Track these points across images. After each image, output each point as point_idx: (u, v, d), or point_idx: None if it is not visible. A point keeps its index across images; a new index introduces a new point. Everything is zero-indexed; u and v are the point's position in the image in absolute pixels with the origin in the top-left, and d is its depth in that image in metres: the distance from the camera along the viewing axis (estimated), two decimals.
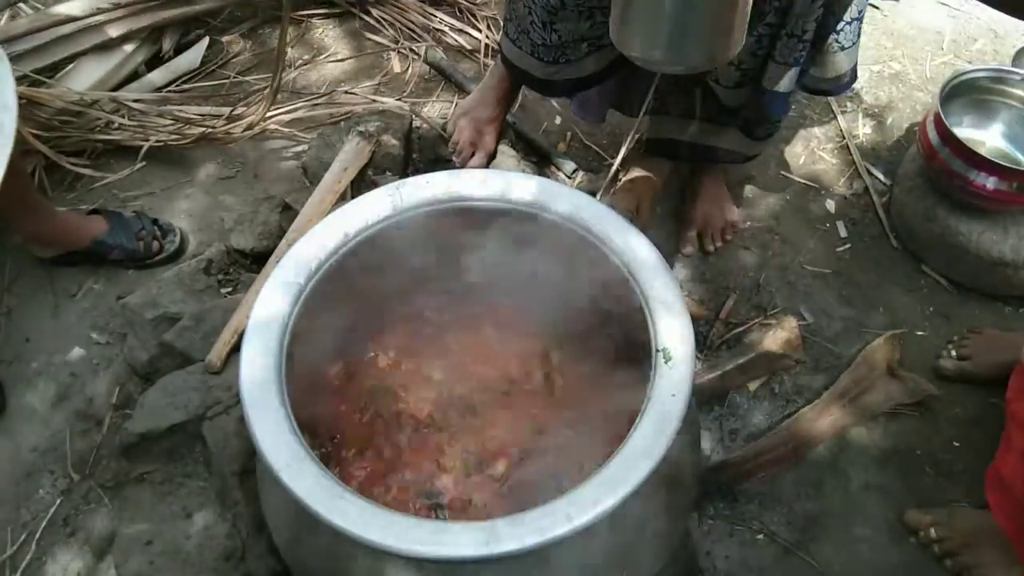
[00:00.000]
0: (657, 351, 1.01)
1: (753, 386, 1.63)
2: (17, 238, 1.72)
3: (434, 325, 1.31)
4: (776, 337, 1.62)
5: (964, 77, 1.76)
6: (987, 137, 1.81)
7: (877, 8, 2.37)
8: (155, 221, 1.76)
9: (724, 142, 1.67)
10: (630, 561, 1.06)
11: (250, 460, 1.29)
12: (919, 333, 1.71)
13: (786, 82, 1.44)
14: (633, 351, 1.10)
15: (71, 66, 1.97)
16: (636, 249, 1.11)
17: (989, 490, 1.32)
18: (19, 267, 1.73)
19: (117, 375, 1.58)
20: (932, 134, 1.70)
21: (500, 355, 1.29)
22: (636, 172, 1.78)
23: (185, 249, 1.78)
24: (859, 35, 1.46)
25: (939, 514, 1.43)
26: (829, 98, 2.10)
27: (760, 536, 1.46)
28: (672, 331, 1.02)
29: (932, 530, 1.41)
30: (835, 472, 1.53)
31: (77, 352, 1.63)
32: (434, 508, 1.14)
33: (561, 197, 1.17)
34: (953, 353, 1.65)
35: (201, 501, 1.34)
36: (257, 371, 0.98)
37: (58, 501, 1.45)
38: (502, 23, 1.81)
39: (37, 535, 1.42)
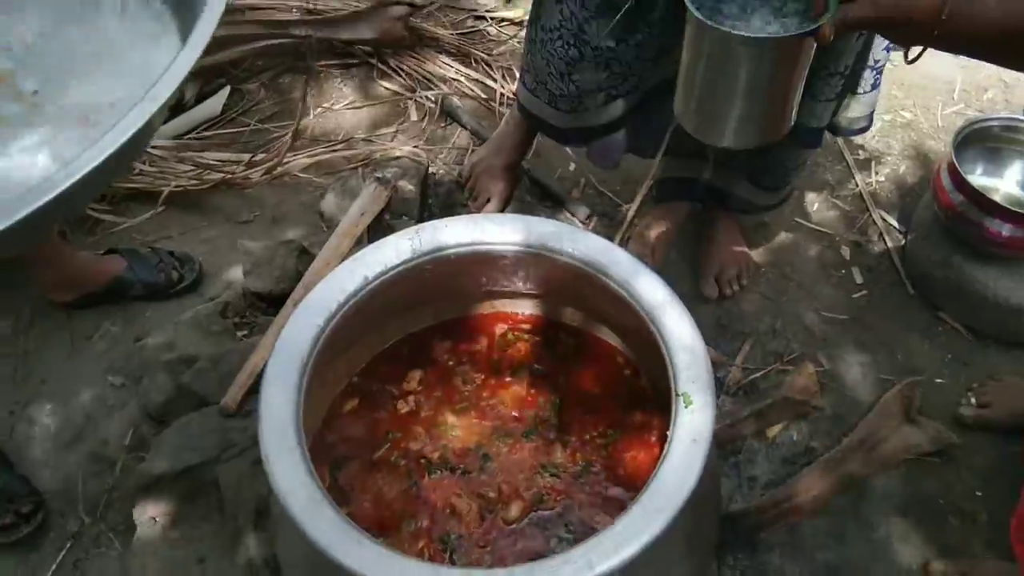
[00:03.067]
0: (677, 395, 1.00)
1: (771, 432, 1.61)
2: (36, 282, 1.73)
3: (450, 369, 1.31)
4: (794, 383, 1.60)
5: (977, 126, 1.77)
6: (1001, 184, 1.82)
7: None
8: (171, 253, 1.77)
9: (734, 188, 1.68)
10: None
11: (264, 503, 1.28)
12: (938, 380, 1.70)
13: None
14: (654, 396, 1.10)
15: None
16: (655, 293, 1.11)
17: (1016, 541, 1.29)
18: (37, 309, 1.74)
19: (131, 417, 1.58)
20: (946, 182, 1.70)
21: (516, 399, 1.28)
22: (651, 217, 1.79)
23: (203, 279, 1.79)
24: (878, 84, 1.48)
25: (963, 564, 1.40)
26: (842, 147, 2.12)
27: None
28: (692, 375, 1.02)
29: None
30: (856, 521, 1.50)
31: (92, 394, 1.63)
32: (448, 552, 1.13)
33: (579, 240, 1.18)
34: (973, 401, 1.63)
35: (214, 545, 1.32)
36: (276, 412, 0.98)
37: (68, 544, 1.44)
38: (518, 73, 1.84)
39: None
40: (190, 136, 2.07)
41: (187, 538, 1.35)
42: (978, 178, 1.76)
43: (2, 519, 1.42)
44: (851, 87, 1.48)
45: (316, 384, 1.06)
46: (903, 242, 1.93)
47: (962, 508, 1.51)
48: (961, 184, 1.66)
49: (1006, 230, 1.62)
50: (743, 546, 1.46)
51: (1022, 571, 1.29)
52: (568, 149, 2.09)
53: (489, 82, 2.23)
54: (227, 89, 2.17)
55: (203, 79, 2.17)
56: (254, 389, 1.41)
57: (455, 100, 2.19)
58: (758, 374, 1.69)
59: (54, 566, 1.42)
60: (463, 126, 2.14)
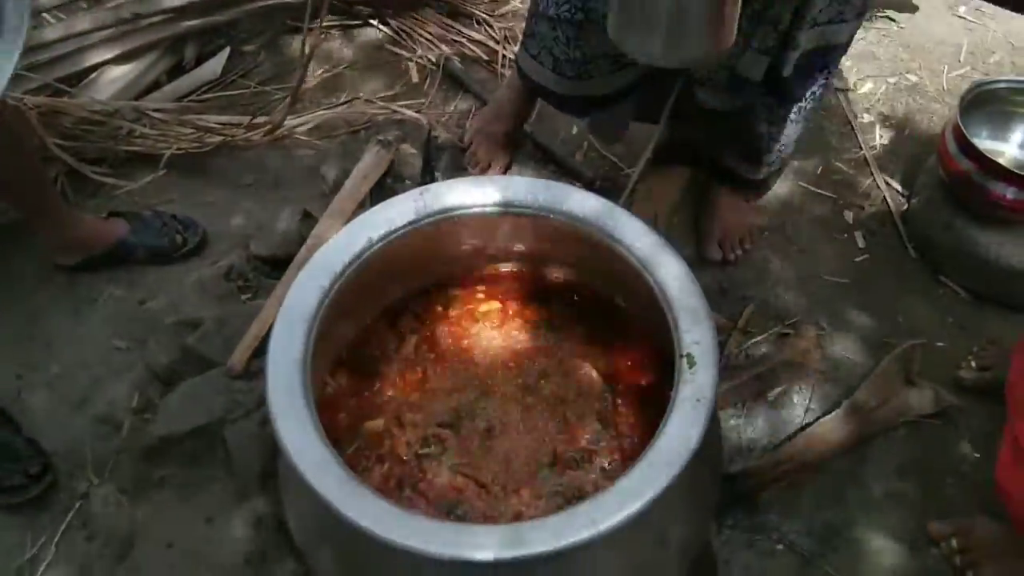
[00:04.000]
0: (681, 356, 1.01)
1: (772, 395, 1.62)
2: (40, 245, 1.74)
3: (457, 331, 1.31)
4: (794, 346, 1.61)
5: (984, 88, 1.76)
6: (1007, 148, 1.81)
7: (894, 20, 2.38)
8: (174, 217, 1.77)
9: (723, 158, 1.67)
10: (652, 569, 1.05)
11: (271, 463, 1.29)
12: (938, 343, 1.71)
13: (757, 70, 1.40)
14: (658, 358, 1.10)
15: (94, 75, 1.99)
16: (659, 256, 1.11)
17: (1001, 481, 1.31)
18: (41, 273, 1.75)
19: (137, 380, 1.59)
20: (951, 145, 1.69)
21: (520, 362, 1.28)
22: (654, 181, 1.79)
23: (207, 243, 1.79)
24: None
25: (961, 525, 1.42)
26: (846, 110, 2.11)
27: (779, 546, 1.45)
28: (696, 337, 1.02)
29: (954, 541, 1.40)
30: (855, 482, 1.52)
31: (97, 357, 1.63)
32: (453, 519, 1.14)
33: (583, 203, 1.18)
34: (973, 364, 1.64)
35: (222, 505, 1.34)
36: (283, 372, 0.99)
37: (77, 504, 1.46)
38: (521, 37, 1.82)
39: (56, 539, 1.42)
40: (190, 98, 2.05)
41: (195, 498, 1.36)
42: (984, 141, 1.75)
43: (10, 480, 1.43)
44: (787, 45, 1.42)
45: (321, 345, 1.06)
46: (906, 206, 1.93)
47: (961, 470, 1.53)
48: (967, 147, 1.65)
49: (1010, 193, 1.62)
50: (742, 506, 1.48)
51: (1009, 509, 1.30)
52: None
53: (491, 43, 2.20)
54: (227, 51, 2.15)
55: (202, 41, 2.15)
56: (259, 351, 1.42)
57: (457, 62, 2.17)
58: (759, 337, 1.69)
59: (63, 526, 1.44)
60: (465, 88, 2.13)
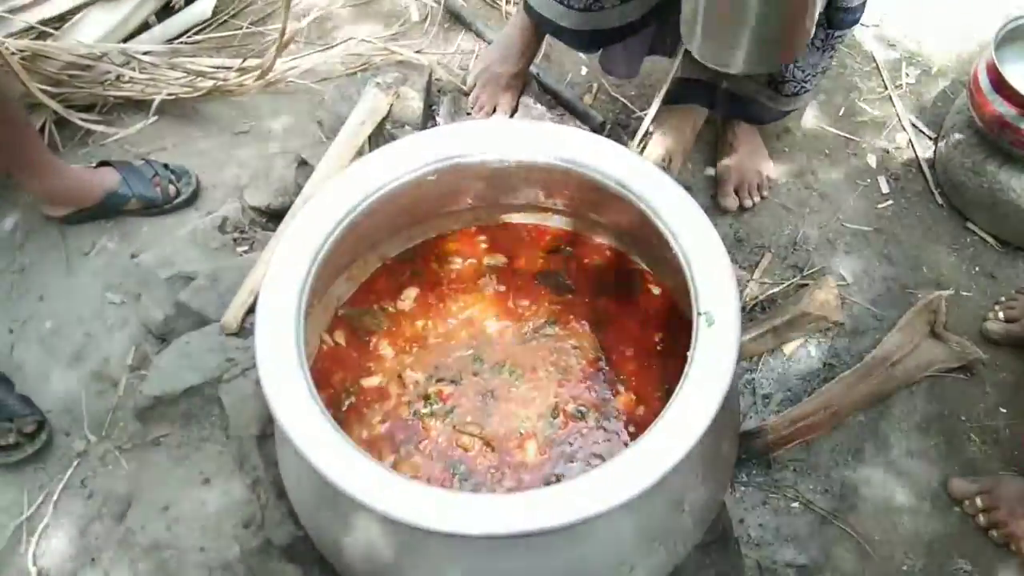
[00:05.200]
0: (699, 315, 0.94)
1: (789, 349, 1.56)
2: (28, 197, 1.67)
3: (458, 285, 1.25)
4: (813, 298, 1.55)
5: (1019, 23, 1.65)
6: None
7: None
8: (166, 166, 1.71)
9: (755, 95, 1.58)
10: (670, 534, 1.01)
11: (269, 424, 1.25)
12: (964, 294, 1.64)
13: None
14: (674, 313, 1.04)
15: (78, 17, 1.90)
16: (676, 204, 1.04)
17: None
18: (31, 225, 1.69)
19: (133, 335, 1.54)
20: (984, 82, 1.60)
21: (527, 315, 1.22)
22: (668, 125, 1.70)
23: (200, 193, 1.73)
24: None
25: (985, 483, 1.37)
26: (871, 48, 2.00)
27: (795, 504, 1.41)
28: (715, 293, 0.95)
29: (978, 499, 1.36)
30: (875, 439, 1.47)
31: (91, 312, 1.59)
32: (458, 477, 1.10)
33: (594, 149, 1.10)
34: (1000, 315, 1.57)
35: (219, 466, 1.30)
36: (274, 333, 0.93)
37: (75, 463, 1.43)
38: None
39: (55, 497, 1.40)
40: (180, 40, 1.96)
41: (191, 458, 1.33)
42: (1019, 79, 1.65)
43: (4, 439, 1.40)
44: None
45: (315, 301, 1.00)
46: (933, 149, 1.83)
47: (985, 425, 1.48)
48: (1001, 86, 1.56)
49: None
50: (757, 463, 1.44)
51: None
52: (580, 52, 1.97)
53: None
54: None
55: None
56: (255, 307, 1.36)
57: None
58: (776, 289, 1.63)
59: (62, 484, 1.41)
60: (467, 27, 2.02)
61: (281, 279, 0.97)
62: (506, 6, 2.05)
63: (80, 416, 1.47)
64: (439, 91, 1.86)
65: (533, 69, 1.87)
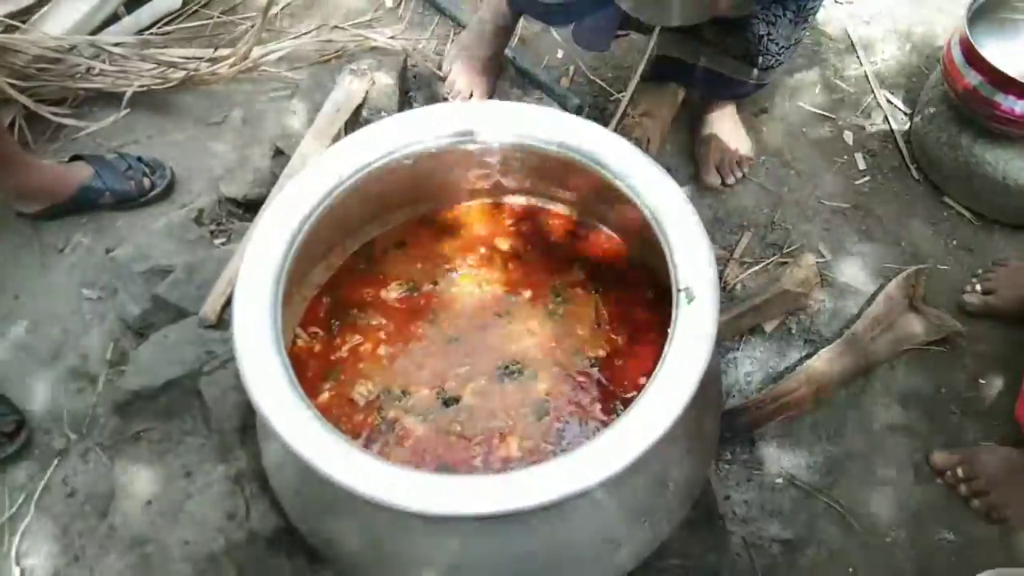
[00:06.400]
0: (679, 291, 0.94)
1: (769, 327, 1.57)
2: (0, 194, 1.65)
3: (437, 271, 1.23)
4: (793, 276, 1.55)
5: None
6: (1016, 59, 1.70)
7: None
8: (140, 159, 1.69)
9: (729, 71, 1.57)
10: (653, 511, 1.01)
11: (250, 415, 1.24)
12: (942, 267, 1.65)
13: None
14: (654, 291, 1.03)
15: (45, 9, 1.86)
16: (654, 183, 1.04)
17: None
18: (3, 222, 1.66)
19: (110, 331, 1.53)
20: (957, 56, 1.60)
21: (508, 302, 1.21)
22: (645, 105, 1.70)
23: (175, 185, 1.71)
24: None
25: (966, 453, 1.39)
26: (845, 23, 2.00)
27: (779, 480, 1.41)
28: (694, 269, 0.95)
29: (959, 470, 1.37)
30: (857, 413, 1.48)
31: (67, 308, 1.57)
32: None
33: (571, 129, 1.09)
34: (978, 287, 1.58)
35: (201, 459, 1.30)
36: (251, 323, 0.92)
37: (55, 461, 1.41)
38: None
39: (36, 496, 1.38)
40: (150, 31, 1.93)
41: (173, 452, 1.32)
42: (991, 52, 1.65)
43: None
44: None
45: (294, 291, 0.99)
46: (908, 124, 1.84)
47: (965, 397, 1.49)
48: (974, 59, 1.56)
49: (1020, 107, 1.53)
50: (741, 441, 1.44)
51: None
52: (556, 34, 1.96)
53: None
54: None
55: None
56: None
57: None
58: (756, 267, 1.63)
59: (43, 483, 1.39)
60: (442, 12, 2.01)
61: (257, 268, 0.96)
62: None
63: (60, 414, 1.45)
64: (415, 76, 1.84)
65: (509, 53, 1.86)
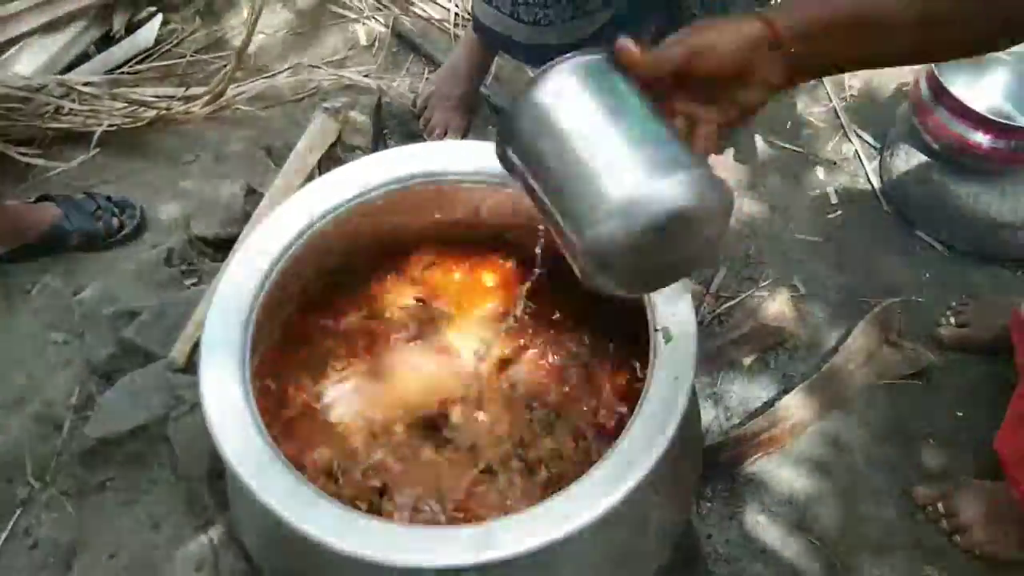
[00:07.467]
0: (656, 330, 0.93)
1: (747, 361, 1.56)
2: None
3: (411, 311, 1.22)
4: (769, 310, 1.55)
5: None
6: (983, 94, 1.74)
7: None
8: (109, 199, 1.66)
9: None
10: (634, 556, 0.99)
11: (219, 462, 1.20)
12: (916, 300, 1.66)
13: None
14: (630, 331, 1.02)
15: (15, 48, 1.86)
16: None
17: (1008, 465, 1.26)
18: None
19: (77, 375, 1.49)
20: (925, 91, 1.63)
21: (479, 340, 1.19)
22: None
23: (145, 225, 1.69)
24: None
25: (947, 489, 1.38)
26: None
27: (761, 517, 1.40)
28: (672, 308, 0.95)
29: (940, 505, 1.36)
30: (836, 447, 1.47)
31: (33, 352, 1.53)
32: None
33: None
34: (952, 320, 1.59)
35: (169, 508, 1.26)
36: (218, 369, 0.90)
37: (18, 512, 1.36)
38: None
39: None
40: (121, 71, 1.92)
41: (140, 502, 1.28)
42: (958, 87, 1.68)
43: None
44: None
45: (262, 334, 0.97)
46: (878, 158, 1.87)
47: (943, 430, 1.49)
48: (941, 93, 1.59)
49: (987, 142, 1.56)
50: (721, 478, 1.43)
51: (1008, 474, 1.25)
52: (531, 72, 1.97)
53: (443, 1, 2.09)
54: (159, 18, 2.01)
55: (132, 8, 2.01)
56: None
57: (407, 23, 2.05)
58: (732, 302, 1.63)
59: (5, 533, 1.34)
60: (417, 51, 2.02)
61: (226, 308, 0.94)
62: (455, 29, 2.04)
63: (23, 461, 1.40)
64: (390, 115, 1.84)
65: (484, 90, 1.86)
